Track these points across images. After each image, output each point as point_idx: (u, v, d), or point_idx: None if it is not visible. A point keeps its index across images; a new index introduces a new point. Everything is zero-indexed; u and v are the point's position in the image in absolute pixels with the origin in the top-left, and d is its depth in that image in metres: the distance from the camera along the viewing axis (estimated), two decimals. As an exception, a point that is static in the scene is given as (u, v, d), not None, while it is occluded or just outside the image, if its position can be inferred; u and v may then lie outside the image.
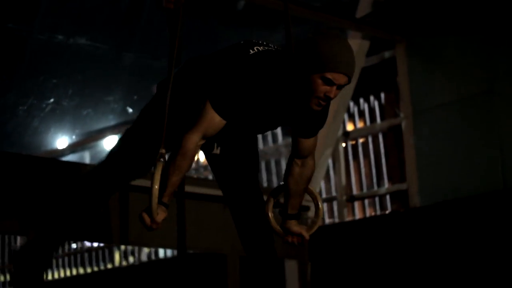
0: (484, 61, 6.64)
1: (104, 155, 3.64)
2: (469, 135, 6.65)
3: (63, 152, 8.59)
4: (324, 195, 7.96)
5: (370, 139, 7.75)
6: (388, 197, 7.51)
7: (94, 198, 3.67)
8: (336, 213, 7.77)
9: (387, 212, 7.38)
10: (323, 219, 7.98)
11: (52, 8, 6.17)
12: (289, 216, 3.60)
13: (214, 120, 3.24)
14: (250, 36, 6.66)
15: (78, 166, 5.70)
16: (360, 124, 7.84)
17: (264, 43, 3.40)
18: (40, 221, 3.62)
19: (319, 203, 3.66)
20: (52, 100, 6.60)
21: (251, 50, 3.30)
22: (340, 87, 3.17)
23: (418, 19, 7.04)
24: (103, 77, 6.81)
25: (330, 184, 7.95)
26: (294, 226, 3.60)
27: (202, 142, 3.28)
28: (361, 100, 7.84)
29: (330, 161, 7.65)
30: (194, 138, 3.25)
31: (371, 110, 7.75)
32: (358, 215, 7.74)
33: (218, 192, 6.18)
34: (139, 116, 3.58)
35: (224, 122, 3.26)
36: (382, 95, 7.72)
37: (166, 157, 3.29)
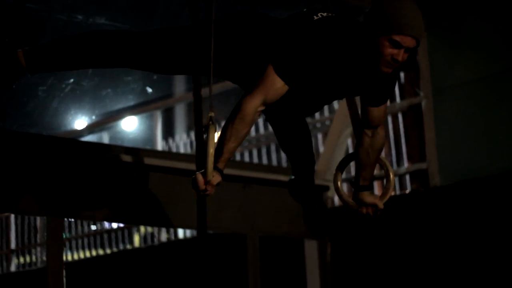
0: (504, 39, 6.60)
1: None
2: (489, 114, 6.62)
3: (82, 132, 8.61)
4: (343, 175, 7.93)
5: (389, 119, 7.72)
6: (407, 176, 7.48)
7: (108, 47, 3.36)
8: (355, 193, 7.74)
9: (406, 191, 7.36)
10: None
11: (71, -12, 6.18)
12: (361, 188, 3.65)
13: (276, 84, 3.15)
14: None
15: (97, 146, 5.72)
16: (379, 104, 7.80)
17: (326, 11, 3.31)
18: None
19: (390, 173, 3.72)
20: (71, 80, 6.60)
21: (315, 16, 3.22)
22: (408, 50, 3.09)
23: (438, -3, 6.99)
24: (122, 57, 6.79)
25: (349, 164, 7.92)
26: (367, 197, 3.66)
27: (262, 108, 3.19)
28: (381, 80, 7.79)
29: (349, 141, 7.62)
30: (255, 102, 3.15)
31: (391, 90, 7.70)
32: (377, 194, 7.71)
33: (238, 172, 6.22)
34: (187, 28, 3.40)
35: (286, 88, 3.17)
36: (402, 74, 7.68)
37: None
